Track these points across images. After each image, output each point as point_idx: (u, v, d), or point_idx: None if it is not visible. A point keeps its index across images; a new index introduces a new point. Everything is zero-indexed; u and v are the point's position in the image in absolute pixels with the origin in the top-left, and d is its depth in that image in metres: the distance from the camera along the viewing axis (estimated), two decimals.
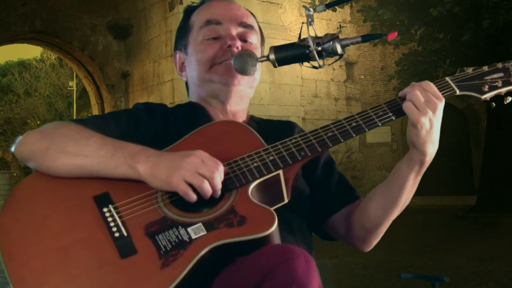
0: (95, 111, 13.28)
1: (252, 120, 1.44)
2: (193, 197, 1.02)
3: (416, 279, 2.41)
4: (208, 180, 1.02)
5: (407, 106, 1.14)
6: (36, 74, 29.13)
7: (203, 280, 0.98)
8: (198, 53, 1.35)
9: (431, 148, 1.16)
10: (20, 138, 1.16)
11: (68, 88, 28.55)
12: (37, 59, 30.34)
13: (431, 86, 1.16)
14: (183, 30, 1.42)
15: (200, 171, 1.02)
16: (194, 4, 1.46)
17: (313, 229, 1.39)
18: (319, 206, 1.35)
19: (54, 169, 1.09)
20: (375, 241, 1.34)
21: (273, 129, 1.34)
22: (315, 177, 1.37)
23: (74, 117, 27.82)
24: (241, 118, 1.41)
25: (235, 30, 1.35)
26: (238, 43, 1.33)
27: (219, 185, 1.04)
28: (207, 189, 1.02)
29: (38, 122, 29.07)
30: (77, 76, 20.80)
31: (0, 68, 32.13)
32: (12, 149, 1.16)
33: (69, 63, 14.62)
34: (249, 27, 1.38)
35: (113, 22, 12.39)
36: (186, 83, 1.47)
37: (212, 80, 1.34)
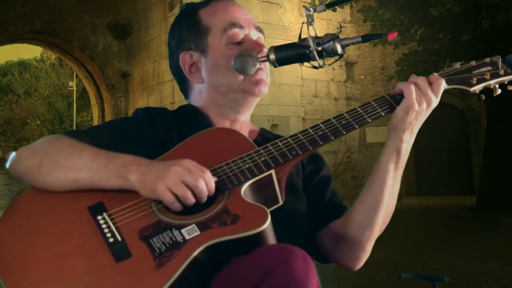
0: (95, 111, 13.29)
1: (260, 136, 1.41)
2: (177, 206, 1.03)
3: (416, 279, 2.41)
4: (192, 188, 1.03)
5: (408, 88, 1.16)
6: (36, 74, 29.12)
7: (201, 281, 0.98)
8: (227, 58, 1.30)
9: (408, 137, 1.20)
10: (13, 155, 1.16)
11: (68, 88, 28.54)
12: (37, 59, 30.33)
13: (434, 82, 1.19)
14: (197, 30, 1.36)
15: (184, 179, 1.03)
16: (196, 1, 1.44)
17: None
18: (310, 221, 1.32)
19: (49, 184, 1.10)
20: (363, 255, 1.27)
21: None
22: (308, 192, 1.35)
23: (74, 117, 27.85)
24: (246, 128, 1.39)
25: (255, 35, 1.36)
26: (265, 50, 1.31)
27: (204, 193, 1.04)
28: (190, 198, 1.03)
29: (38, 122, 29.10)
30: (77, 76, 20.80)
31: (0, 68, 32.13)
32: (7, 165, 1.17)
33: (69, 63, 14.63)
34: (262, 31, 1.39)
35: (113, 22, 12.39)
36: (186, 82, 1.42)
37: (244, 90, 1.32)
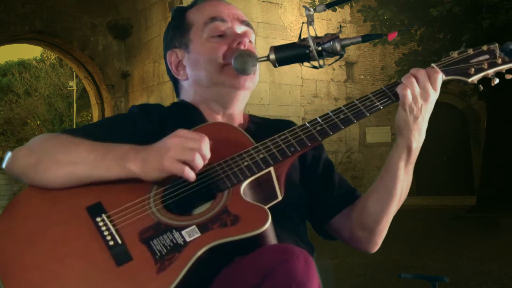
0: (95, 111, 13.29)
1: (251, 122, 1.43)
2: (191, 174, 1.03)
3: (416, 279, 2.41)
4: (197, 151, 1.04)
5: (402, 94, 1.16)
6: (36, 74, 29.11)
7: (203, 281, 0.98)
8: (207, 51, 1.32)
9: (417, 135, 1.20)
10: (9, 155, 1.15)
11: (68, 88, 28.53)
12: (37, 59, 30.32)
13: (431, 77, 1.19)
14: (180, 29, 1.38)
15: (186, 145, 1.04)
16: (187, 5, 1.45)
17: (315, 229, 1.40)
18: (320, 208, 1.35)
19: (47, 181, 1.09)
20: (379, 240, 1.33)
21: (273, 129, 1.31)
22: (315, 181, 1.37)
23: (74, 117, 27.85)
24: (238, 120, 1.40)
25: (239, 28, 1.35)
26: (247, 41, 1.32)
27: (208, 153, 1.05)
28: (199, 160, 1.04)
29: (38, 122, 29.08)
30: (77, 76, 20.79)
31: (0, 68, 32.12)
32: (3, 166, 1.15)
33: (69, 63, 14.62)
34: (249, 25, 1.39)
35: (113, 22, 12.39)
36: (177, 82, 1.43)
37: (223, 83, 1.31)
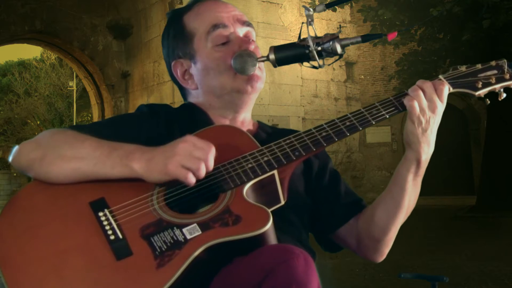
0: (95, 111, 13.30)
1: (261, 129, 1.42)
2: (193, 180, 1.04)
3: (416, 279, 2.41)
4: (203, 161, 1.04)
5: (410, 105, 1.17)
6: (36, 74, 29.12)
7: (202, 281, 0.98)
8: (215, 61, 1.30)
9: (426, 148, 1.20)
10: (16, 148, 1.16)
11: (68, 88, 28.54)
12: (37, 59, 30.35)
13: (437, 88, 1.19)
14: (182, 38, 1.36)
15: (194, 154, 1.04)
16: (180, 7, 1.43)
17: (318, 241, 1.40)
18: (327, 218, 1.35)
19: (52, 175, 1.10)
20: (386, 250, 1.34)
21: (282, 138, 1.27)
22: (322, 190, 1.37)
23: (74, 117, 27.86)
24: (248, 126, 1.39)
25: (241, 31, 1.34)
26: (252, 47, 1.31)
27: (212, 164, 1.06)
28: (203, 170, 1.04)
29: (38, 122, 29.09)
30: (77, 76, 20.81)
31: (0, 68, 32.13)
32: (10, 159, 1.17)
33: (69, 63, 14.63)
34: (250, 25, 1.38)
35: (113, 22, 12.39)
36: (185, 89, 1.42)
37: (237, 90, 1.30)
